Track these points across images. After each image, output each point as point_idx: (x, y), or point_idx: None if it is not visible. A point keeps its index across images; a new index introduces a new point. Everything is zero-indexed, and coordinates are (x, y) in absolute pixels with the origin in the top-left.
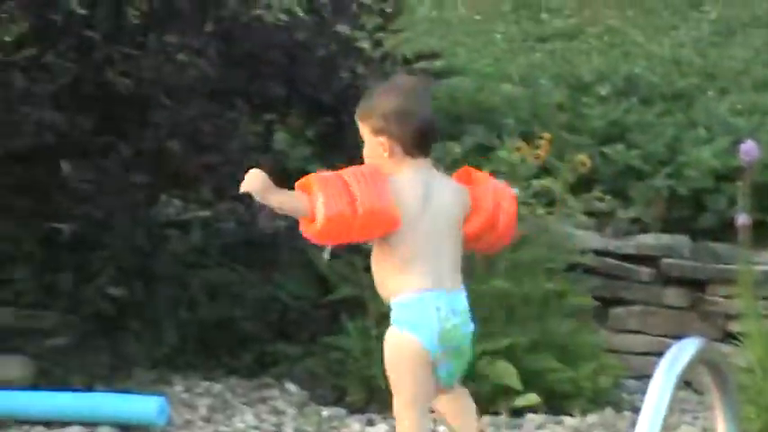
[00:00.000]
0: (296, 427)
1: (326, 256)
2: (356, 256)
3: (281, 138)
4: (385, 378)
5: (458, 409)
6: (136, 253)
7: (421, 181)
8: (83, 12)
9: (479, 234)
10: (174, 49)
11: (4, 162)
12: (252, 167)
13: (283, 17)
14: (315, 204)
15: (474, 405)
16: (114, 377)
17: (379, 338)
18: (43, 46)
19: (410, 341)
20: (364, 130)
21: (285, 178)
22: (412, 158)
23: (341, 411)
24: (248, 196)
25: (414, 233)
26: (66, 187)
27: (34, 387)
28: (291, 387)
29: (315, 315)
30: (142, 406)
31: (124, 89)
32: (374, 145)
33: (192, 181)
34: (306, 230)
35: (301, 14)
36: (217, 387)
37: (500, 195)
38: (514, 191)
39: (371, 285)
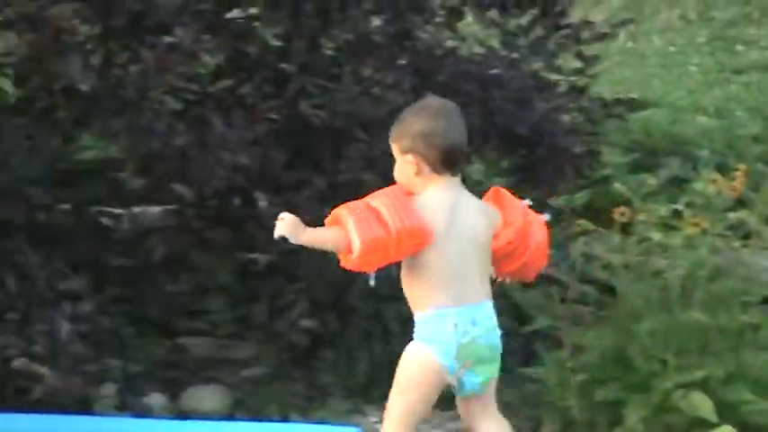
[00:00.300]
0: None
1: (372, 282)
2: (552, 286)
3: (476, 168)
4: (579, 410)
5: None
6: (329, 285)
7: (447, 199)
8: (278, 44)
9: (508, 251)
10: (369, 82)
11: (200, 197)
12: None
13: (478, 49)
14: (348, 234)
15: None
16: (309, 407)
17: (575, 370)
18: (239, 78)
19: (427, 357)
20: (395, 149)
21: None
22: (439, 176)
23: None
24: (284, 240)
25: (439, 249)
26: (260, 219)
27: (230, 417)
28: None
29: (510, 346)
30: None
31: (318, 122)
32: (403, 164)
33: None
34: (345, 262)
35: (497, 47)
36: None
37: (531, 217)
38: (546, 216)
39: (567, 317)
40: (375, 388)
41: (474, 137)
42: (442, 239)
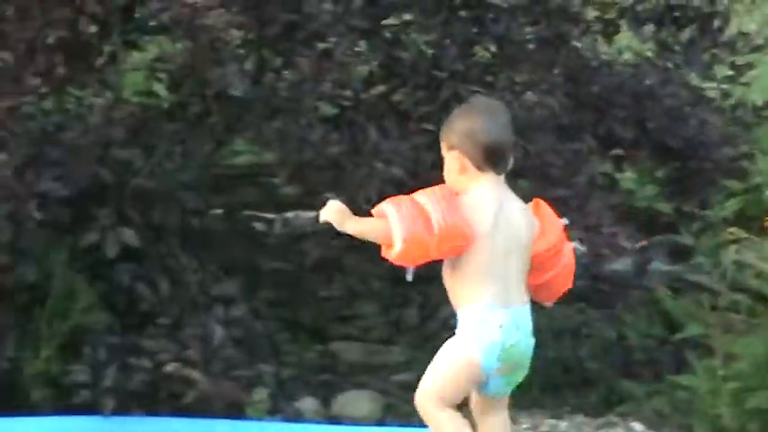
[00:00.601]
0: None
1: (409, 277)
2: (704, 294)
3: (628, 176)
4: (731, 417)
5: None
6: None
7: (493, 198)
8: (431, 51)
9: (542, 261)
10: (522, 88)
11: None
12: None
13: (631, 58)
14: (391, 228)
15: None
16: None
17: (726, 378)
18: (392, 85)
19: (468, 355)
20: (443, 147)
21: (631, 216)
22: (483, 174)
23: None
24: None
25: (485, 248)
26: None
27: (381, 423)
28: (637, 426)
29: (660, 354)
30: None
31: None
32: (450, 160)
33: None
34: (386, 254)
35: (650, 55)
36: (563, 425)
37: (565, 238)
38: (574, 244)
39: (719, 324)
40: (527, 395)
41: (626, 146)
42: (487, 237)
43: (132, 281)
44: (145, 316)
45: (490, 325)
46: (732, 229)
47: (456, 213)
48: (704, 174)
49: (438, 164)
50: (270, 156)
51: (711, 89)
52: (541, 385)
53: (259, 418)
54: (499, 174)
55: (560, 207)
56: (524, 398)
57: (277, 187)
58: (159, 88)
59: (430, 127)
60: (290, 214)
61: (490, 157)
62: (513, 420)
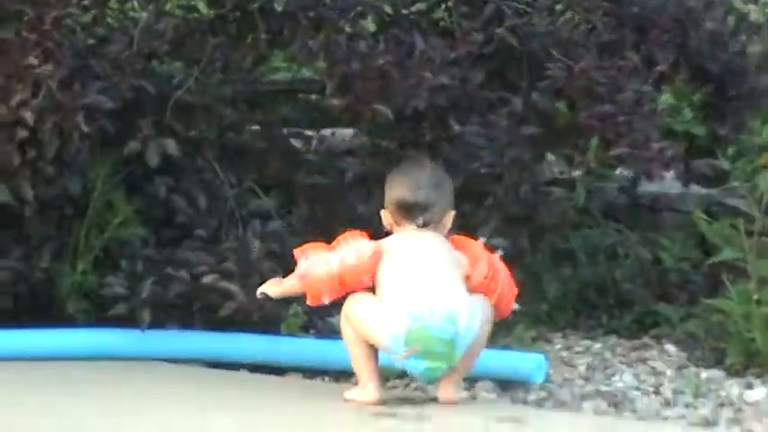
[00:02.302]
0: (674, 388)
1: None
2: (738, 218)
3: (665, 100)
4: (763, 341)
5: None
6: (521, 204)
7: (409, 236)
8: None
9: (486, 288)
10: (564, 6)
11: (397, 117)
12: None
13: None
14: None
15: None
16: (494, 334)
17: (760, 302)
18: (434, 1)
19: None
20: None
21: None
22: (402, 228)
23: (719, 374)
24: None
25: (400, 265)
26: (454, 141)
27: None
28: (670, 348)
29: (695, 277)
30: (521, 362)
31: (517, 42)
32: (383, 218)
33: (582, 133)
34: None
35: None
36: (596, 346)
37: (489, 253)
38: (500, 252)
39: (753, 248)
40: (561, 316)
41: (666, 69)
42: (403, 256)
43: (169, 194)
44: (182, 229)
45: (399, 312)
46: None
47: (360, 249)
48: (741, 99)
49: (485, 84)
50: (309, 71)
51: (754, 13)
52: (576, 306)
53: (293, 335)
54: (420, 226)
55: (607, 123)
56: (559, 319)
57: (316, 104)
58: (200, 2)
59: (474, 39)
60: (327, 131)
61: (399, 212)
62: (548, 340)
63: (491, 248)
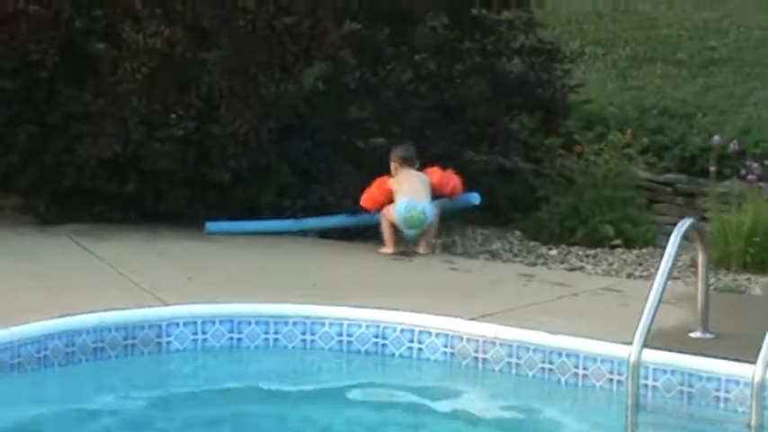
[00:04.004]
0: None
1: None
2: None
3: None
4: None
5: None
6: None
7: (406, 173)
8: None
9: (440, 184)
10: None
11: None
12: None
13: None
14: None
15: (426, 246)
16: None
17: None
18: None
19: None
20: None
21: None
22: (403, 169)
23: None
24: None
25: (402, 187)
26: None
27: None
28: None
29: None
30: (471, 197)
31: None
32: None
33: None
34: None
35: None
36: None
37: (445, 173)
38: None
39: None
40: None
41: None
42: (405, 179)
43: None
44: None
45: (401, 208)
46: None
47: (383, 185)
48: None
49: None
50: None
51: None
52: None
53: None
54: (411, 168)
55: None
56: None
57: None
58: None
59: None
60: None
61: (402, 162)
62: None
63: (443, 168)
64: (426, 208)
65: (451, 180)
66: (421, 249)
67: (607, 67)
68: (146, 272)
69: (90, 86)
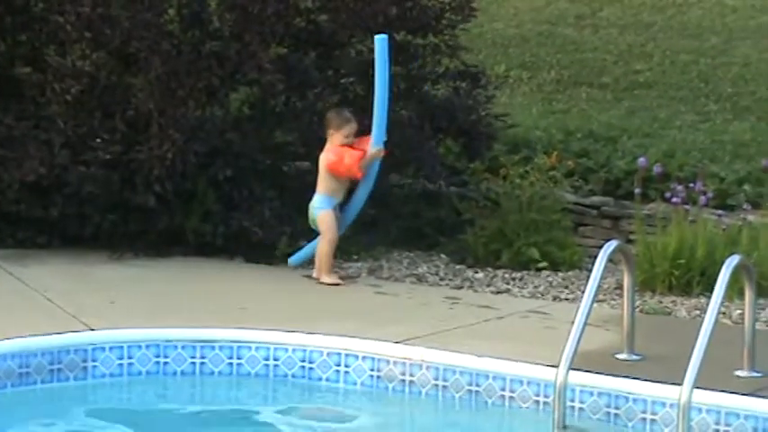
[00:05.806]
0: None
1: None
2: None
3: None
4: None
5: None
6: None
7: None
8: None
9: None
10: None
11: None
12: None
13: None
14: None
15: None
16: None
17: None
18: None
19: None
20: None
21: None
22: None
23: None
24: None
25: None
26: None
27: None
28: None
29: None
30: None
31: None
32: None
33: None
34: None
35: None
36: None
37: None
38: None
39: None
40: None
41: None
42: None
43: None
44: None
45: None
46: None
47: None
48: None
49: None
50: None
51: None
52: None
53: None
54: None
55: None
56: None
57: None
58: None
59: None
60: None
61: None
62: None
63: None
64: (314, 201)
65: (341, 164)
66: (315, 274)
67: (532, 91)
68: (71, 296)
69: (14, 110)
